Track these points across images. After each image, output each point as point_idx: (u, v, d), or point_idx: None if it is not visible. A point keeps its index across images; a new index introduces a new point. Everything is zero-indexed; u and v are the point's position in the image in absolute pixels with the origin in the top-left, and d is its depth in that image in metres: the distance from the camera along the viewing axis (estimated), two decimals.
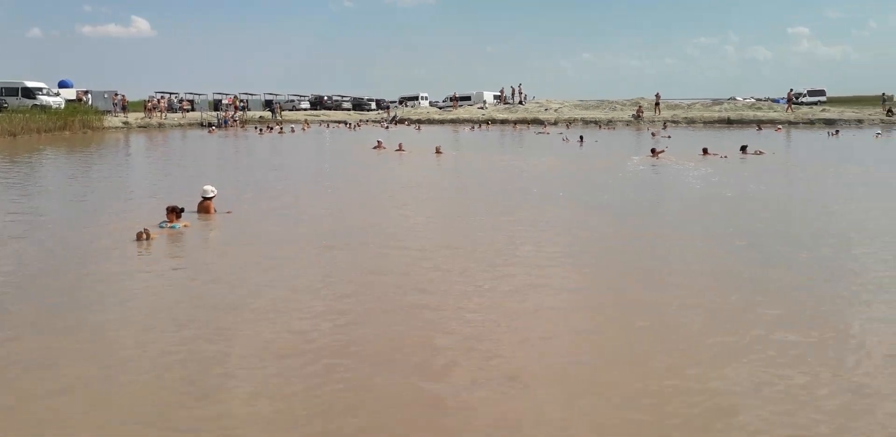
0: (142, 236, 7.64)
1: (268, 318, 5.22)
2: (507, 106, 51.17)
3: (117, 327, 5.12)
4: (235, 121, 42.82)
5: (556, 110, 47.59)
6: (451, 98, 56.33)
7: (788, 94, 45.90)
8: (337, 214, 10.46)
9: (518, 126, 41.73)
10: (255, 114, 48.41)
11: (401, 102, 60.51)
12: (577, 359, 4.51)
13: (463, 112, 49.65)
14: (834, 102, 56.42)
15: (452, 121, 46.69)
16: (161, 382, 4.11)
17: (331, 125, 44.74)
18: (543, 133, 34.18)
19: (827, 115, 41.46)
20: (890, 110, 44.05)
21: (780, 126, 36.94)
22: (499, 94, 55.22)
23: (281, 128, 37.16)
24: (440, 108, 56.65)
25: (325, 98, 61.76)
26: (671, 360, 4.40)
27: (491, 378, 4.11)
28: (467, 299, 5.70)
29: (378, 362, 4.38)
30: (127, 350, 4.61)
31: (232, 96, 51.29)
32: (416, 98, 61.10)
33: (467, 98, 57.05)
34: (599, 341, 4.87)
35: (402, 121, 47.26)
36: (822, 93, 57.81)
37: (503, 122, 44.53)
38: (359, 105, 62.00)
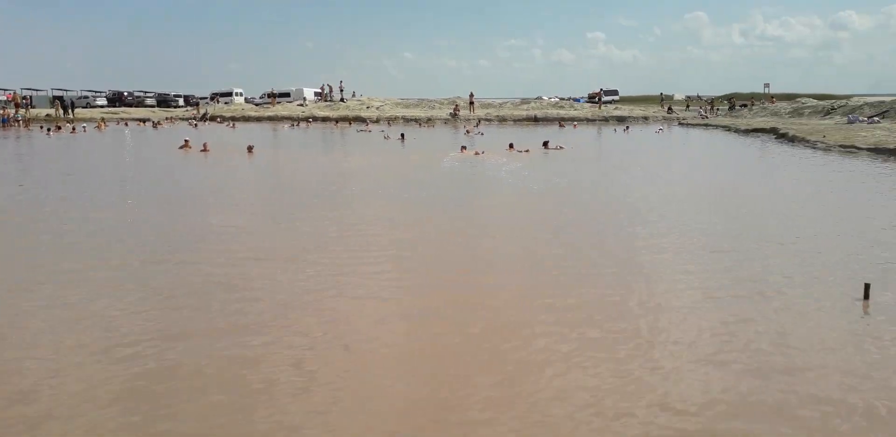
0: None
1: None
2: (328, 103, 50.42)
3: None
4: (18, 120, 37.72)
5: (377, 108, 47.80)
6: (268, 94, 54.33)
7: (598, 93, 51.16)
8: (130, 222, 9.54)
9: (339, 124, 41.31)
10: (41, 111, 42.99)
11: (212, 99, 57.18)
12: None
13: (281, 109, 48.10)
14: (626, 100, 62.84)
15: (270, 118, 45.02)
16: None
17: (130, 124, 40.97)
18: (365, 131, 34.17)
19: (619, 112, 46.08)
20: (670, 108, 50.30)
21: (576, 123, 40.31)
22: (319, 90, 54.28)
23: (73, 127, 33.36)
24: (257, 104, 54.44)
25: (126, 94, 56.56)
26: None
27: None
28: (287, 306, 5.46)
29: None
30: None
31: (12, 92, 45.21)
32: (230, 94, 58.06)
33: (286, 94, 55.42)
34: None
35: (213, 118, 44.66)
36: (615, 92, 64.10)
37: (324, 119, 43.83)
38: (164, 101, 57.64)
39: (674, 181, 14.74)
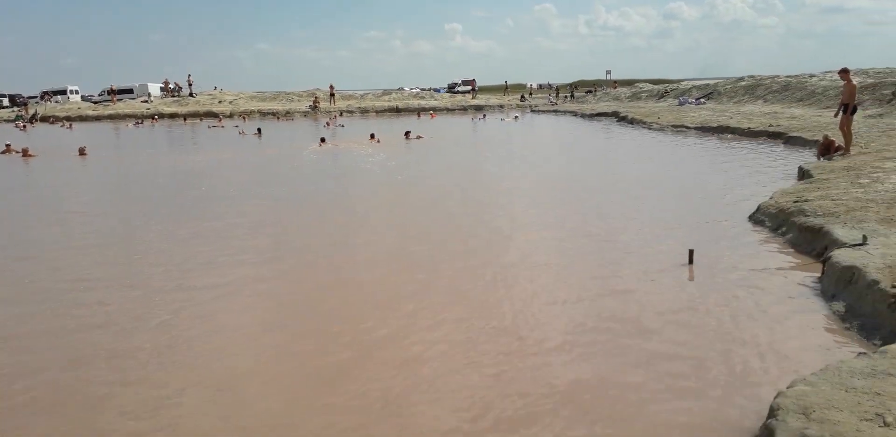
0: None
1: None
2: (175, 99, 47.46)
3: None
4: None
5: (230, 102, 45.65)
6: (108, 91, 50.22)
7: (472, 82, 53.91)
8: None
9: (189, 120, 39.12)
10: None
11: (43, 97, 51.95)
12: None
13: (124, 106, 44.62)
14: (483, 90, 64.50)
15: (111, 117, 41.59)
16: None
17: None
18: (218, 127, 32.61)
19: (476, 102, 47.29)
20: (522, 96, 52.42)
21: (433, 112, 40.87)
22: (164, 85, 51.05)
23: None
24: (95, 102, 50.20)
25: None
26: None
27: None
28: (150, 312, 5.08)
29: None
30: None
31: None
32: (65, 92, 53.04)
33: (129, 91, 51.77)
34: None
35: (46, 119, 40.60)
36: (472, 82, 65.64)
37: (172, 116, 41.24)
38: None
39: (526, 163, 15.40)
